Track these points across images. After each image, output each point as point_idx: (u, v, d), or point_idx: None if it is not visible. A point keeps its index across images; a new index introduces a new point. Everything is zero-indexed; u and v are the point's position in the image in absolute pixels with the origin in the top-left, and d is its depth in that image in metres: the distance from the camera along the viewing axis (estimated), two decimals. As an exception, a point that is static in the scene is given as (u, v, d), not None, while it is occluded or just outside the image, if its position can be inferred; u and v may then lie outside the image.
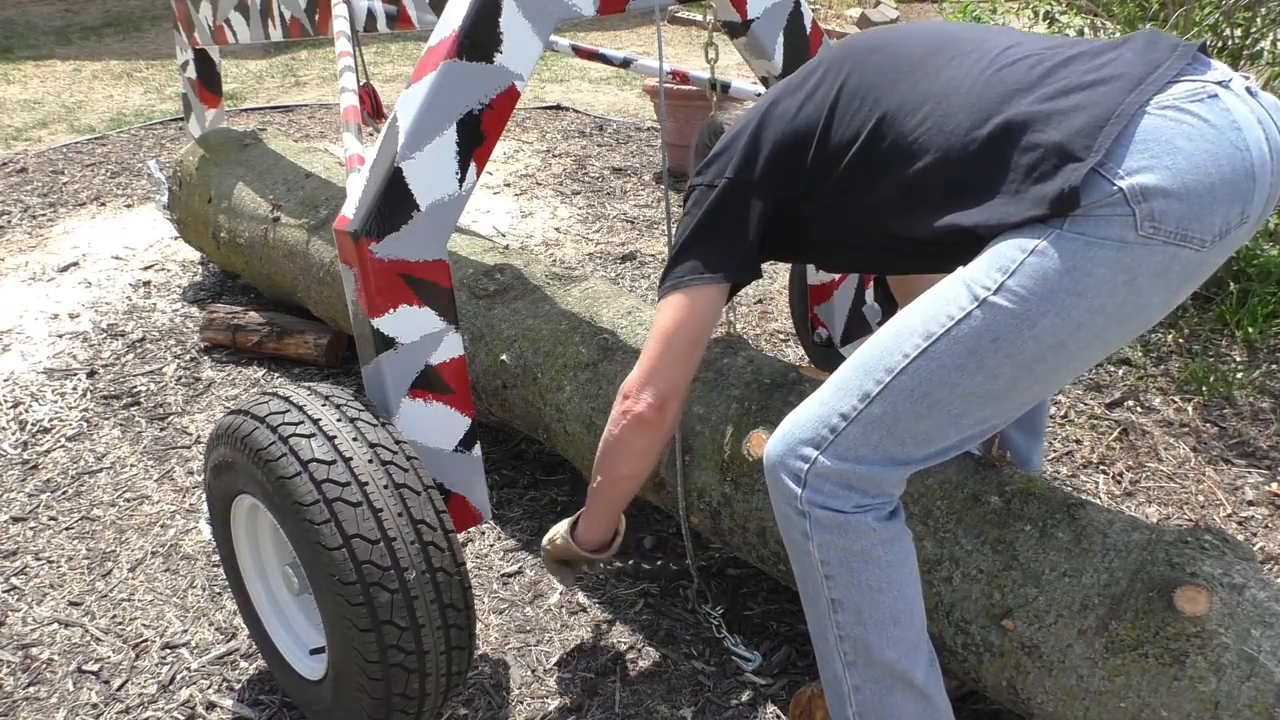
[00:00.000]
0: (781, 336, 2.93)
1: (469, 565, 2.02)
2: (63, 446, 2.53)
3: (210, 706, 1.72)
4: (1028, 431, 1.74)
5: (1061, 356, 1.14)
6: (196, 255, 3.63)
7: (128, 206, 4.28)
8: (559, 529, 1.66)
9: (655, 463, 1.51)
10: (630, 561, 1.77)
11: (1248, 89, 1.15)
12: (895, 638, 1.25)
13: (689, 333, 1.39)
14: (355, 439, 1.40)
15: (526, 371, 1.96)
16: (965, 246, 1.21)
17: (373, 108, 2.30)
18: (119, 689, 1.77)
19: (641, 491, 1.84)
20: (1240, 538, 1.69)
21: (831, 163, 1.32)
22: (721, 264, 1.38)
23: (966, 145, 1.18)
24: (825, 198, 1.34)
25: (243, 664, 1.81)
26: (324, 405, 1.44)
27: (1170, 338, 2.77)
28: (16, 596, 2.01)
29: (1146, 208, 1.07)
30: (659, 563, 1.84)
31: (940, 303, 1.18)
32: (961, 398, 1.16)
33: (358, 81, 1.77)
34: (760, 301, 3.19)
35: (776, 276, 3.36)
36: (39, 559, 2.12)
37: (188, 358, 2.94)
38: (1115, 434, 2.38)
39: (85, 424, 2.62)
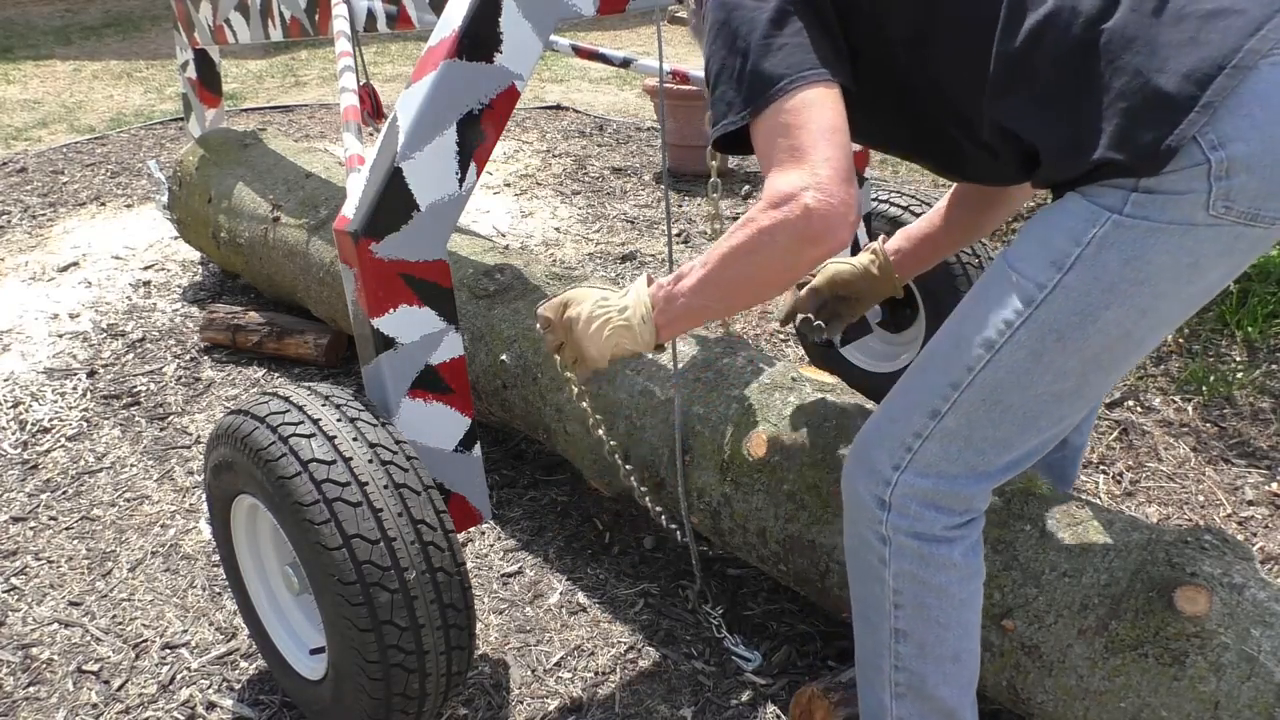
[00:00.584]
0: (781, 336, 2.93)
1: (469, 565, 2.02)
2: (63, 446, 2.53)
3: (210, 706, 1.72)
4: (1059, 480, 1.71)
5: (1129, 344, 1.11)
6: (196, 255, 3.64)
7: (128, 206, 4.28)
8: (610, 322, 1.29)
9: None
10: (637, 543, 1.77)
11: None
12: (952, 675, 1.23)
13: (845, 124, 1.10)
14: (355, 439, 1.40)
15: (526, 371, 1.96)
16: (1015, 165, 1.13)
17: (373, 108, 2.30)
18: (119, 689, 1.77)
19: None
20: (1240, 538, 1.69)
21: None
22: (822, 61, 1.11)
23: (1060, 40, 1.05)
24: (885, 35, 1.18)
25: (243, 664, 1.81)
26: (324, 405, 1.44)
27: (1170, 337, 2.77)
28: (16, 596, 2.01)
29: (1225, 185, 0.99)
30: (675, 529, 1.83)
31: (995, 306, 1.13)
32: (1034, 399, 1.14)
33: (358, 81, 1.77)
34: (760, 301, 3.19)
35: (776, 276, 3.35)
36: (39, 559, 2.12)
37: (188, 358, 2.94)
38: (1115, 434, 2.38)
39: (85, 424, 2.62)
